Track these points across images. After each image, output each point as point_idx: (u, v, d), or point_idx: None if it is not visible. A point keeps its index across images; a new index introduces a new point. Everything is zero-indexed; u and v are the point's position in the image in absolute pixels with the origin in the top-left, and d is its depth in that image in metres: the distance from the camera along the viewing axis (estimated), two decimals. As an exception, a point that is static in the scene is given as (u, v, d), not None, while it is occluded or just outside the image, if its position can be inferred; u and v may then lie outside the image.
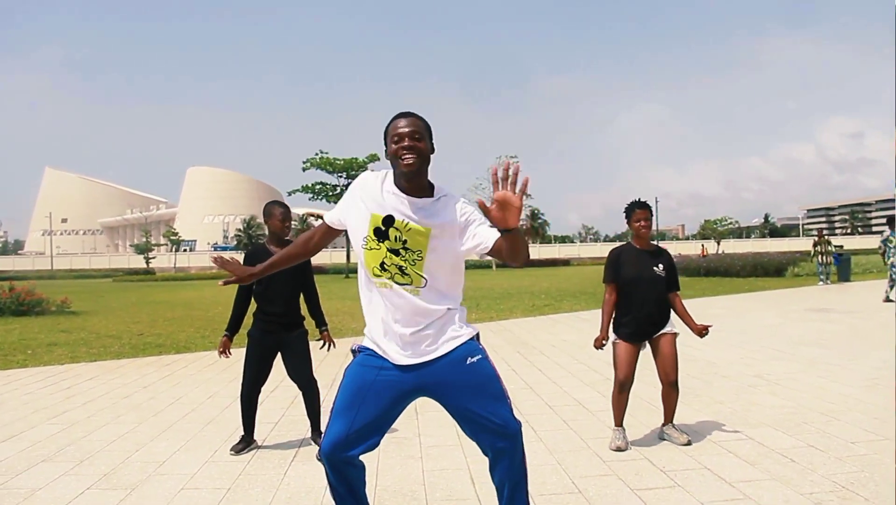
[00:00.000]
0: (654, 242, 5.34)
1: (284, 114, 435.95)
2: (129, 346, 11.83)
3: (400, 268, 2.93)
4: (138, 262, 79.80)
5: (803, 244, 75.00)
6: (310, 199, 51.84)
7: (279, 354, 5.34)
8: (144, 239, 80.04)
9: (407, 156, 2.88)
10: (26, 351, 11.25)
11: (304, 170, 49.93)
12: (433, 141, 2.99)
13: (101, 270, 74.16)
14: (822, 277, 22.82)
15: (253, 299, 5.33)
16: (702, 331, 5.08)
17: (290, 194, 52.69)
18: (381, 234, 2.94)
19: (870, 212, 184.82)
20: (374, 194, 2.99)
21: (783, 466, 4.53)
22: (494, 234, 2.89)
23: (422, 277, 2.94)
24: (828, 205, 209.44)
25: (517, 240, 2.74)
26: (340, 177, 50.21)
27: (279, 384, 7.43)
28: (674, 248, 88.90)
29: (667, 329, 5.13)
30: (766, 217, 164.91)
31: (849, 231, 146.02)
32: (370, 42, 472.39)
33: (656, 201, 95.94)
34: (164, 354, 10.86)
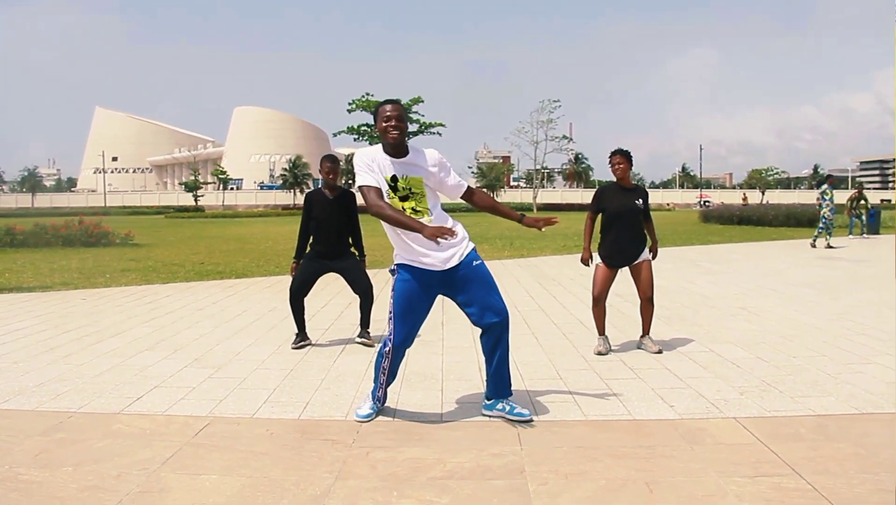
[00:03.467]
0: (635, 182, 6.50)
1: (331, 56, 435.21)
2: (194, 272, 13.30)
3: (413, 209, 4.30)
4: (187, 199, 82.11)
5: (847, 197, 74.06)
6: (354, 140, 53.14)
7: (339, 276, 6.67)
8: (193, 177, 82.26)
9: (393, 132, 4.20)
10: (104, 275, 12.76)
11: (349, 111, 51.15)
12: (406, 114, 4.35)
13: (152, 207, 76.79)
14: (851, 229, 23.14)
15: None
16: (655, 253, 6.48)
17: (335, 135, 54.05)
18: (393, 188, 4.30)
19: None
20: (380, 163, 4.24)
21: (728, 369, 5.70)
22: (460, 190, 4.50)
23: (428, 209, 4.33)
24: (883, 157, 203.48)
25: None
26: (385, 119, 51.20)
27: (329, 301, 8.79)
28: (717, 197, 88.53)
29: (644, 257, 6.28)
30: (816, 168, 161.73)
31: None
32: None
33: (700, 149, 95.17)
34: (225, 278, 12.30)
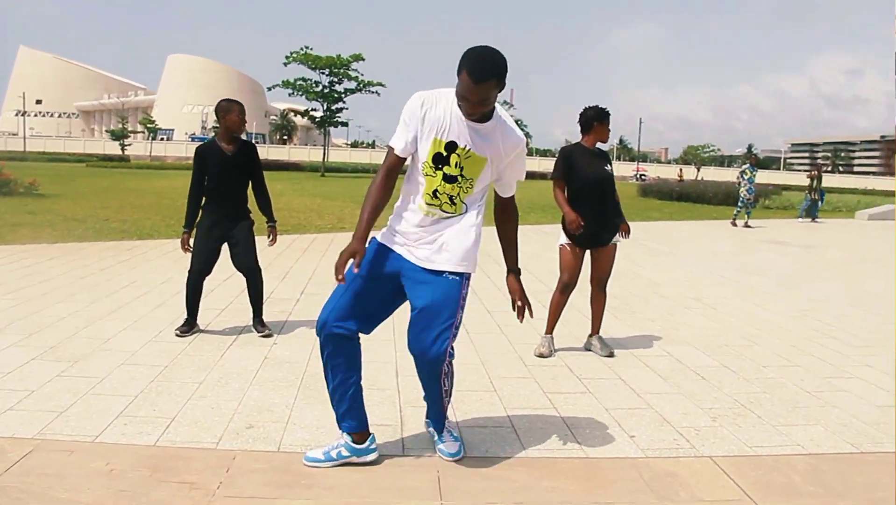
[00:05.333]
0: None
1: (269, 6, 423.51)
2: (93, 230, 11.91)
3: (451, 197, 3.12)
4: (114, 148, 78.20)
5: (782, 178, 75.31)
6: (289, 95, 51.06)
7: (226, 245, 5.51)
8: (121, 125, 78.50)
9: (471, 114, 2.98)
10: (-11, 229, 11.30)
11: (285, 64, 48.81)
12: (504, 82, 2.93)
13: (76, 155, 72.97)
14: (802, 212, 22.55)
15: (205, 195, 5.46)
16: (628, 231, 5.40)
17: (269, 89, 51.85)
18: (440, 160, 3.07)
19: (853, 151, 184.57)
20: (439, 116, 3.05)
21: (692, 382, 4.82)
22: (510, 190, 3.35)
23: (464, 204, 3.15)
24: (813, 140, 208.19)
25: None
26: (323, 73, 49.36)
27: (232, 274, 7.59)
28: (653, 171, 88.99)
29: (614, 240, 5.32)
30: (749, 148, 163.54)
31: (829, 169, 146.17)
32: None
33: (640, 122, 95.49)
34: (126, 239, 10.98)
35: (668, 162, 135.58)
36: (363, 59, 49.44)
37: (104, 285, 7.20)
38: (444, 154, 3.07)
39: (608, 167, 5.28)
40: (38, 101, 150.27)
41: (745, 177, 18.79)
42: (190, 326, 5.47)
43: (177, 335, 5.37)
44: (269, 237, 5.66)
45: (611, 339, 5.70)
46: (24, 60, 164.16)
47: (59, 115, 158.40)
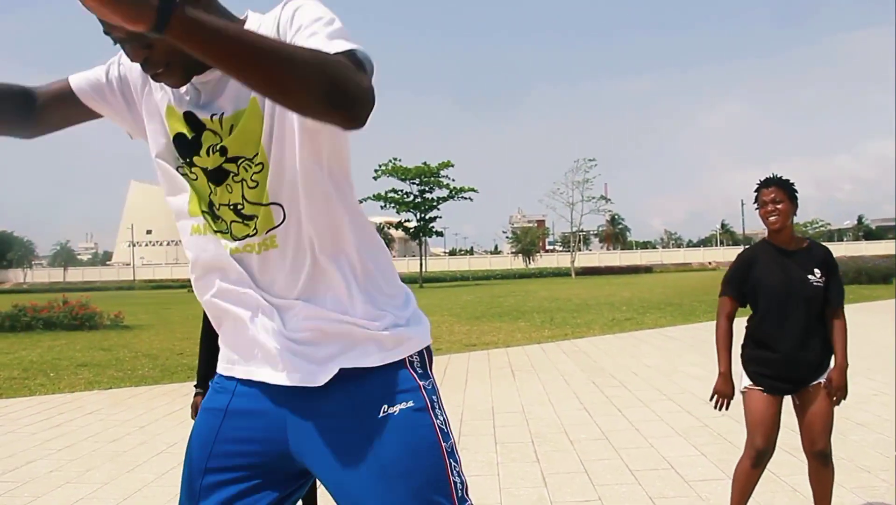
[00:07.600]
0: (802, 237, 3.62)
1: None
2: (160, 368, 10.75)
3: (235, 207, 1.48)
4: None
5: (904, 249, 70.18)
6: (381, 208, 51.12)
7: None
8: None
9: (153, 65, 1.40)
10: (49, 374, 10.29)
11: (375, 178, 49.15)
12: None
13: (180, 281, 75.30)
14: None
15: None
16: (839, 385, 3.36)
17: (361, 202, 52.05)
18: (187, 147, 1.49)
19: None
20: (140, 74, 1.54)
21: None
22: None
23: (279, 206, 1.45)
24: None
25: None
26: (413, 184, 49.26)
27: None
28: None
29: (821, 377, 3.45)
30: (860, 218, 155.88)
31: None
32: (437, 50, 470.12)
33: (742, 204, 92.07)
34: (191, 379, 9.67)
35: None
36: (452, 166, 49.26)
37: (133, 452, 5.76)
38: (190, 136, 1.48)
39: (813, 276, 3.39)
40: (149, 232, 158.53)
41: None
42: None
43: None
44: None
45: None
46: (134, 194, 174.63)
47: (168, 244, 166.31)
